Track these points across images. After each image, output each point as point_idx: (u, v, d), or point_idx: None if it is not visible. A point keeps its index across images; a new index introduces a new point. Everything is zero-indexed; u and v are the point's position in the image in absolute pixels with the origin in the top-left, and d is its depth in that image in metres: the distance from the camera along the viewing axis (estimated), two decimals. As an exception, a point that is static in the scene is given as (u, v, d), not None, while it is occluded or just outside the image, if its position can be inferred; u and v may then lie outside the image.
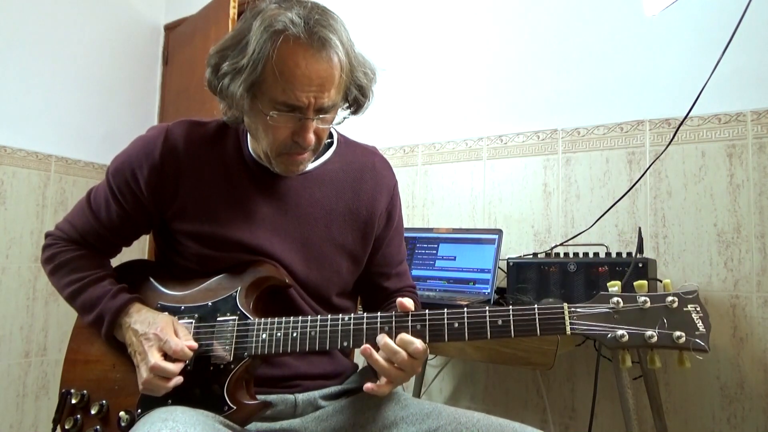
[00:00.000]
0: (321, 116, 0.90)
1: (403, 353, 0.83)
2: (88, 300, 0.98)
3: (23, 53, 2.48)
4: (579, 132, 1.84)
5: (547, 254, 1.63)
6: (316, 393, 0.99)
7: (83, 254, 1.04)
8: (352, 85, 0.94)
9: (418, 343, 0.84)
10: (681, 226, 1.64)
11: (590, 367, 1.72)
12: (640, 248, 1.42)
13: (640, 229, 1.46)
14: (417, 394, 1.94)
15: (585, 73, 1.84)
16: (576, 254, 1.55)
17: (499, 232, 1.67)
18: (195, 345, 0.89)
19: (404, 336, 0.84)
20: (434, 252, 1.74)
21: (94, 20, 2.76)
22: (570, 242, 1.69)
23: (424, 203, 2.14)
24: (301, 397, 0.97)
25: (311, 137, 0.90)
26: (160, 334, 0.88)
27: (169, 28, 3.08)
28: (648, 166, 1.67)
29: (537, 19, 1.95)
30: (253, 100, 0.89)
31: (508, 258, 1.58)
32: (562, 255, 1.62)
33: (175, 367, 0.87)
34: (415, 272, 1.72)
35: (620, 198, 1.62)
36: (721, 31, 1.44)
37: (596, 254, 1.48)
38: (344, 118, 1.00)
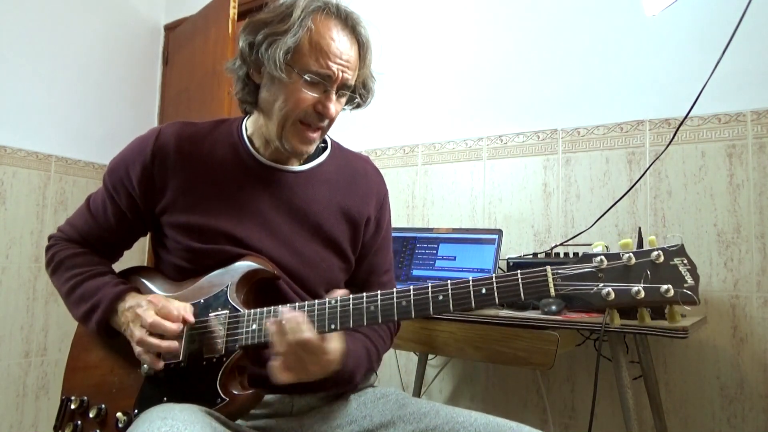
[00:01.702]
0: (341, 92, 0.98)
1: (290, 337, 0.82)
2: (87, 290, 0.99)
3: (23, 53, 2.48)
4: (579, 132, 1.84)
5: (547, 254, 1.63)
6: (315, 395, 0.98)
7: (85, 251, 1.06)
8: (364, 79, 1.02)
9: (307, 333, 0.82)
10: (681, 226, 1.64)
11: (590, 367, 1.72)
12: (640, 248, 1.41)
13: (640, 229, 1.46)
14: (417, 394, 1.94)
15: (585, 73, 1.84)
16: (576, 254, 1.55)
17: (499, 232, 1.67)
18: (192, 320, 0.91)
19: (299, 323, 0.83)
20: (434, 252, 1.74)
21: (94, 20, 2.76)
22: (570, 242, 1.69)
23: (424, 203, 2.14)
24: (298, 397, 0.96)
25: (332, 107, 0.96)
26: (153, 300, 0.91)
27: (169, 28, 3.08)
28: (648, 166, 1.67)
29: (537, 20, 1.95)
30: (287, 66, 0.93)
31: (508, 258, 1.58)
32: (562, 255, 1.62)
33: (175, 326, 0.89)
34: (415, 272, 1.72)
35: (620, 198, 1.62)
36: (720, 31, 1.44)
37: (596, 254, 1.47)
38: (351, 109, 1.08)
